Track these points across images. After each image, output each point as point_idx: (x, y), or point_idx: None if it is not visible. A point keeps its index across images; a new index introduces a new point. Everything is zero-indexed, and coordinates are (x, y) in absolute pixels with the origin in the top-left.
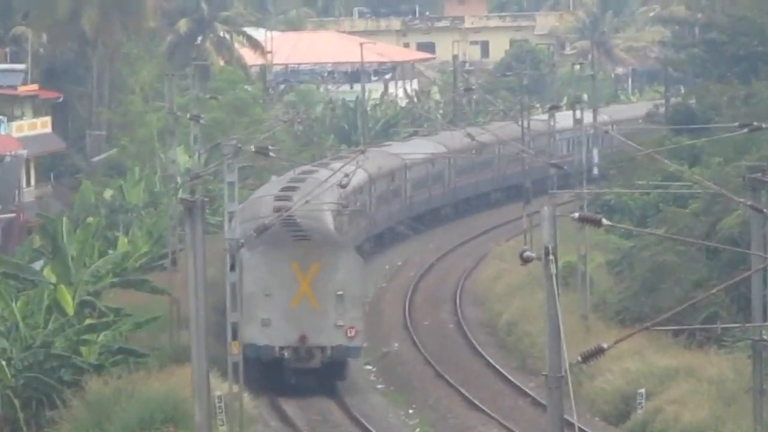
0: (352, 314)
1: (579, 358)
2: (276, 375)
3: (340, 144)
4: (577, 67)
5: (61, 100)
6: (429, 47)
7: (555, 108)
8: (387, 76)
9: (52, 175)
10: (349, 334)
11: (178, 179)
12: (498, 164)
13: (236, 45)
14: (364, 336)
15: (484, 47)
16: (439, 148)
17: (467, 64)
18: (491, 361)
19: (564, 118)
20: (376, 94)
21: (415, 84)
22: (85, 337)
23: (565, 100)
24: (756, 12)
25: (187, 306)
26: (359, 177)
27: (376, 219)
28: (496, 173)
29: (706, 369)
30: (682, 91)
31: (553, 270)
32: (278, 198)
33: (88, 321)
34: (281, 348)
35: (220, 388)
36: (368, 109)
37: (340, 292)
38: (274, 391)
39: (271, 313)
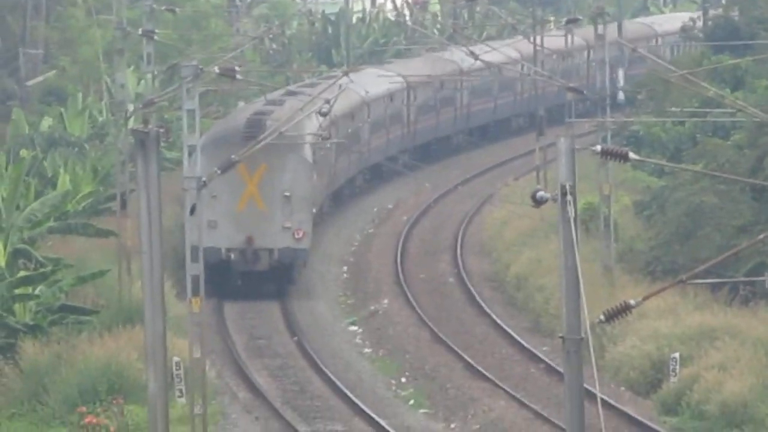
0: (300, 216)
1: (601, 317)
2: (223, 278)
3: (320, 65)
4: None
5: None
6: None
7: (573, 22)
8: None
9: None
10: (296, 236)
11: (129, 106)
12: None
13: None
14: (312, 239)
15: None
16: (449, 66)
17: None
18: (498, 320)
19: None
20: (363, 5)
21: None
22: (19, 292)
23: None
24: None
25: (138, 256)
26: (351, 100)
27: (371, 149)
28: (516, 97)
29: (752, 329)
30: (723, 2)
31: (571, 213)
32: (247, 127)
33: (22, 273)
34: (228, 250)
35: (179, 352)
36: (354, 22)
37: (287, 194)
38: (224, 297)
39: (217, 215)
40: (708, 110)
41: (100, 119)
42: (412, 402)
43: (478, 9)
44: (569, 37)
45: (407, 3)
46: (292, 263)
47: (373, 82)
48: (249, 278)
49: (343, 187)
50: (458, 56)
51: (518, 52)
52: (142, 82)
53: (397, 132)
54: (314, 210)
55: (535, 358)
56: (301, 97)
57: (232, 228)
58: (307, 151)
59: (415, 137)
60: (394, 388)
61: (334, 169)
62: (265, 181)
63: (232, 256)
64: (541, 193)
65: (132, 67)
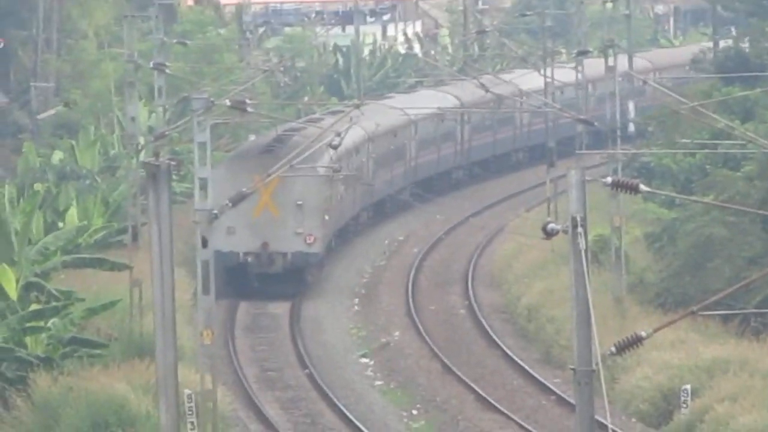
0: (311, 223)
1: (612, 349)
2: (240, 279)
3: (331, 97)
4: (610, 5)
5: (1, 46)
6: None
7: (583, 54)
8: (385, 17)
9: None
10: (308, 241)
11: (140, 139)
12: (518, 121)
13: None
14: (323, 244)
15: None
16: (451, 101)
17: (480, 2)
18: (509, 352)
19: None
20: (374, 38)
21: (418, 26)
22: (31, 325)
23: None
24: None
25: (150, 288)
26: (355, 135)
27: (375, 184)
28: (516, 131)
29: (763, 360)
30: (734, 33)
31: (582, 244)
32: (275, 141)
33: (34, 306)
34: (245, 254)
35: (191, 384)
36: (365, 55)
37: (299, 202)
38: (240, 297)
39: (235, 222)
40: (718, 142)
41: (112, 152)
42: None
43: (488, 41)
44: (579, 68)
45: (417, 36)
46: (304, 266)
47: (378, 116)
48: (264, 280)
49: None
50: (459, 90)
51: (527, 84)
52: (153, 114)
53: (400, 168)
54: (326, 217)
55: (546, 389)
56: (312, 130)
57: (249, 234)
58: (319, 165)
59: (417, 172)
60: (405, 420)
61: (341, 203)
62: (278, 191)
63: (249, 259)
64: (551, 225)
65: (143, 100)
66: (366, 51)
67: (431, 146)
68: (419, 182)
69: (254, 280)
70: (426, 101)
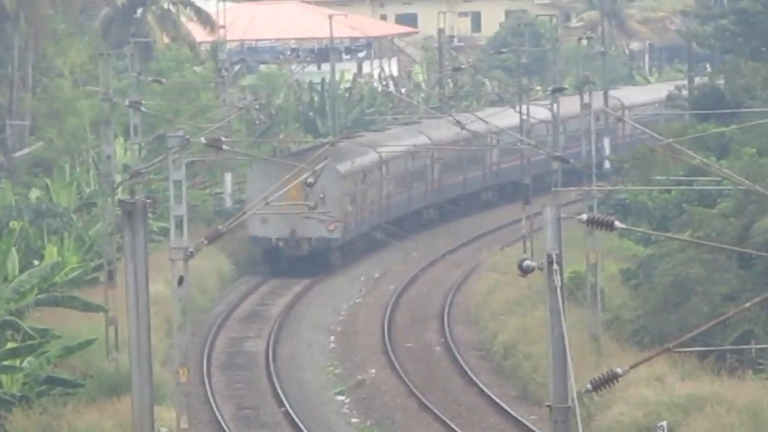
0: (332, 213)
1: (589, 386)
2: (273, 261)
3: (306, 134)
4: (585, 42)
5: None
6: (410, 19)
7: (559, 91)
8: (361, 54)
9: None
10: (329, 228)
11: (116, 177)
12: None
13: (183, 19)
14: (342, 231)
15: (475, 19)
16: (421, 138)
17: (455, 40)
18: (485, 389)
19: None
20: (349, 75)
21: (394, 63)
22: (7, 363)
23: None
24: None
25: (126, 326)
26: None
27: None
28: (488, 169)
29: (740, 397)
30: (709, 70)
31: (558, 282)
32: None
33: (9, 345)
34: (277, 239)
35: (167, 422)
36: (344, 92)
37: (322, 195)
38: (273, 276)
39: (270, 214)
40: (694, 178)
41: (88, 190)
42: None
43: (464, 78)
44: (555, 105)
45: (391, 75)
46: (326, 249)
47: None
48: (293, 261)
49: None
50: (428, 128)
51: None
52: (129, 152)
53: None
54: (349, 208)
55: (522, 426)
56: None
57: (280, 222)
58: (340, 165)
59: (389, 211)
60: None
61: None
62: (305, 186)
63: (280, 243)
64: (527, 262)
65: (119, 138)
66: (343, 88)
67: (402, 185)
68: (391, 221)
69: (284, 262)
70: (397, 140)
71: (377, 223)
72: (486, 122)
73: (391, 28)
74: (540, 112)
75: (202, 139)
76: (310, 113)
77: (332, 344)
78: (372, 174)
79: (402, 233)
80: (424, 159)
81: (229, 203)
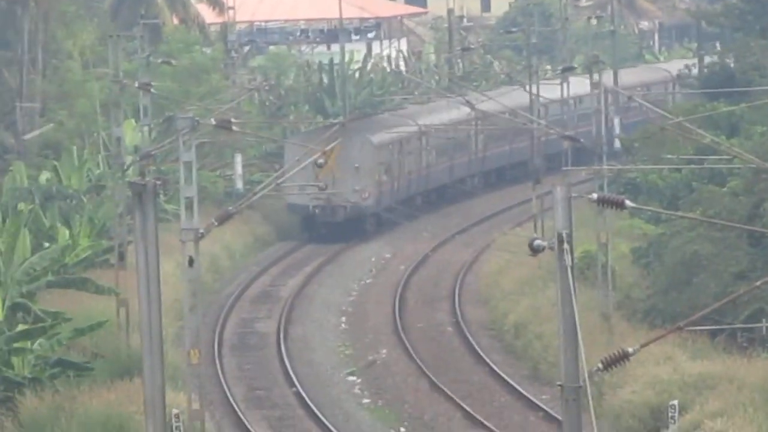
0: (366, 182)
1: (600, 365)
2: (310, 227)
3: (316, 115)
4: (594, 21)
5: None
6: (420, 0)
7: (568, 70)
8: (370, 35)
9: None
10: (363, 196)
11: (126, 159)
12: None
13: (192, 0)
14: (376, 199)
15: (485, 0)
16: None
17: (465, 20)
18: (496, 369)
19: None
20: (359, 56)
21: (403, 44)
22: (18, 345)
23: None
24: None
25: (137, 308)
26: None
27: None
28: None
29: (751, 376)
30: (718, 49)
31: (569, 261)
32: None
33: (20, 327)
34: (314, 207)
35: (178, 404)
36: (353, 73)
37: (357, 165)
38: (309, 241)
39: (306, 181)
40: (704, 157)
41: (97, 172)
42: None
43: (474, 58)
44: (564, 85)
45: (402, 53)
46: (360, 216)
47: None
48: (329, 227)
49: None
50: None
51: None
52: (138, 134)
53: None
54: (377, 177)
55: (534, 406)
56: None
57: (316, 190)
58: (374, 136)
59: (429, 181)
60: None
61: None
62: (340, 156)
63: (317, 210)
64: (538, 242)
65: (129, 120)
66: (352, 69)
67: (443, 155)
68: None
69: (321, 228)
70: (438, 112)
71: (417, 192)
72: (496, 102)
73: (401, 8)
74: (553, 90)
75: (212, 121)
76: (320, 94)
77: (343, 325)
78: (410, 144)
79: (414, 214)
80: (468, 130)
81: (239, 184)
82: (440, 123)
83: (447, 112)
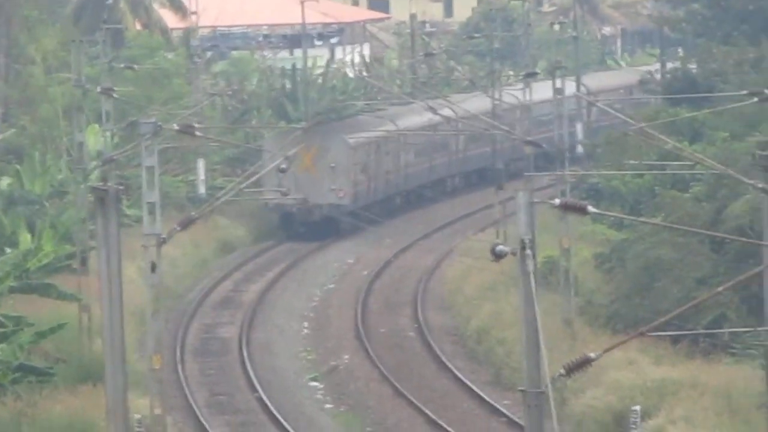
0: (341, 181)
1: (562, 370)
2: (289, 226)
3: (279, 120)
4: (557, 27)
5: None
6: (382, 5)
7: (531, 76)
8: (333, 40)
9: None
10: (339, 195)
11: (89, 164)
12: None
13: (155, 5)
14: (352, 198)
15: (448, 5)
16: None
17: (428, 25)
18: (459, 374)
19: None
20: (321, 61)
21: (366, 49)
22: None
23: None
24: None
25: (100, 314)
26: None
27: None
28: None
29: (712, 381)
30: (681, 55)
31: (531, 267)
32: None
33: None
34: (291, 206)
35: (141, 409)
36: (316, 78)
37: (333, 165)
38: (290, 240)
39: (283, 181)
40: (666, 163)
41: (60, 177)
42: None
43: (437, 64)
44: (527, 91)
45: (363, 59)
46: (337, 215)
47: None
48: (307, 226)
49: None
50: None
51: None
52: (100, 138)
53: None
54: (352, 176)
55: (496, 411)
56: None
57: (295, 190)
58: (349, 137)
59: (408, 180)
60: None
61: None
62: (316, 157)
63: (295, 210)
64: (500, 247)
65: (94, 125)
66: (315, 74)
67: (422, 155)
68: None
69: (299, 227)
70: (417, 113)
71: (395, 192)
72: (457, 108)
73: (364, 13)
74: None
75: (175, 126)
76: (282, 99)
77: (306, 330)
78: (387, 145)
79: (376, 219)
80: (448, 131)
81: (201, 190)
82: (418, 125)
83: (423, 115)
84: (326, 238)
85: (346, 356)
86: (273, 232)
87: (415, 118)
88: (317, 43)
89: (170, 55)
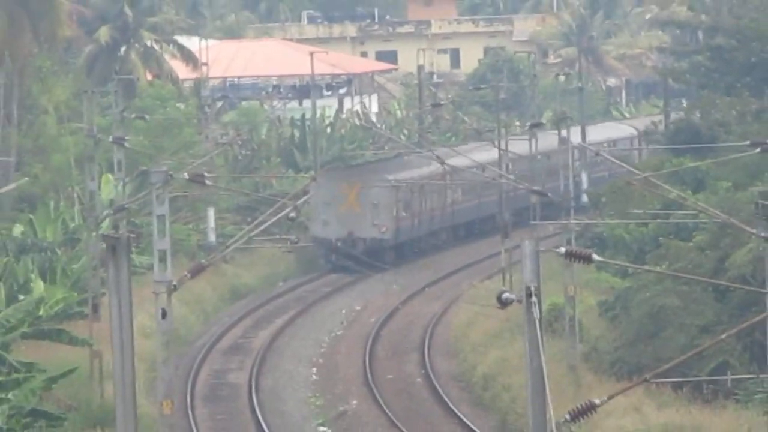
0: (383, 217)
1: (567, 416)
2: (333, 259)
3: (288, 169)
4: (562, 78)
5: None
6: (390, 56)
7: (536, 126)
8: (342, 91)
9: None
10: (381, 230)
11: (102, 212)
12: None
13: (166, 56)
14: (393, 233)
15: (454, 56)
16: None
17: (435, 76)
18: (466, 420)
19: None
20: (330, 111)
21: (374, 99)
22: None
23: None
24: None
25: (111, 359)
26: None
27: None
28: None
29: (715, 427)
30: (684, 105)
31: (536, 314)
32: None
33: None
34: (336, 239)
35: None
36: (325, 128)
37: (375, 202)
38: (333, 272)
39: (329, 216)
40: (670, 212)
41: (72, 225)
42: None
43: (444, 114)
44: (533, 141)
45: (364, 111)
46: (379, 248)
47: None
48: (350, 259)
49: None
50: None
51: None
52: (112, 187)
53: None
54: (395, 212)
55: None
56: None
57: (339, 225)
58: (391, 176)
59: (454, 217)
60: None
61: None
62: (360, 194)
63: (339, 243)
64: (506, 295)
65: (107, 175)
66: (324, 124)
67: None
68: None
69: (343, 260)
70: (467, 153)
71: (440, 227)
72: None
73: (372, 64)
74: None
75: (185, 175)
76: (291, 148)
77: (314, 376)
78: (431, 183)
79: (384, 266)
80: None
81: (212, 237)
82: (464, 166)
83: (473, 154)
84: (369, 270)
85: (354, 401)
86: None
87: (461, 158)
88: (326, 93)
89: (181, 106)
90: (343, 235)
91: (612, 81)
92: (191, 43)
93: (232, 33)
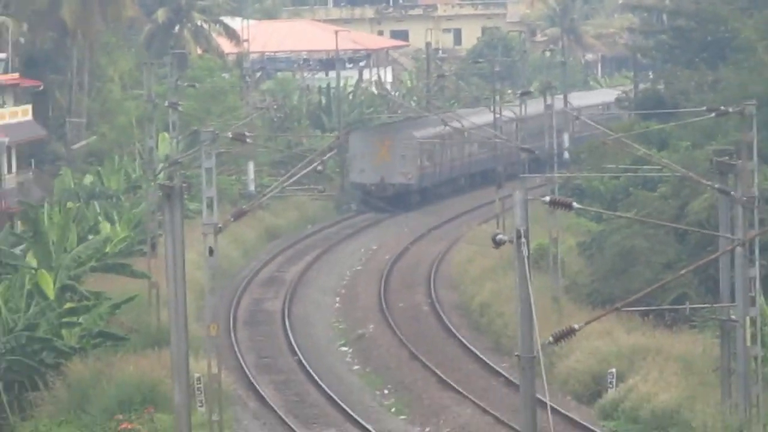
0: (409, 167)
1: (550, 339)
2: (368, 201)
3: (315, 130)
4: (548, 53)
5: (41, 88)
6: (402, 35)
7: (526, 94)
8: (361, 64)
9: (32, 162)
10: (407, 177)
11: (158, 165)
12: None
13: (213, 34)
14: (417, 180)
15: (457, 35)
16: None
17: (440, 52)
18: (465, 342)
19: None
20: (352, 81)
21: (389, 71)
22: (66, 320)
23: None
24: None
25: (166, 290)
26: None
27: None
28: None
29: (675, 348)
30: (651, 77)
31: (525, 253)
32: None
33: (68, 305)
34: (370, 184)
35: (200, 369)
36: (347, 95)
37: (403, 154)
38: (368, 210)
39: (365, 165)
40: (638, 167)
41: (133, 176)
42: (393, 410)
43: (449, 84)
44: (523, 106)
45: (379, 81)
46: (405, 192)
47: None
48: (382, 200)
49: None
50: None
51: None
52: (169, 145)
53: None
54: (419, 162)
55: (495, 373)
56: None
57: (373, 172)
58: (416, 131)
59: (471, 166)
60: (378, 398)
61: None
62: (389, 147)
63: (372, 188)
64: (500, 236)
65: (164, 134)
66: (346, 92)
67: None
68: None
69: (376, 201)
70: (476, 115)
71: (459, 174)
72: (463, 122)
73: (387, 42)
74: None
75: (229, 134)
76: (319, 112)
77: (337, 304)
78: (452, 138)
79: (393, 211)
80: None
81: (251, 187)
82: (473, 124)
83: (482, 116)
84: (398, 209)
85: (371, 326)
86: (317, 217)
87: (475, 117)
88: (348, 66)
89: (226, 76)
90: (376, 181)
91: (590, 56)
92: (234, 22)
93: (269, 14)
